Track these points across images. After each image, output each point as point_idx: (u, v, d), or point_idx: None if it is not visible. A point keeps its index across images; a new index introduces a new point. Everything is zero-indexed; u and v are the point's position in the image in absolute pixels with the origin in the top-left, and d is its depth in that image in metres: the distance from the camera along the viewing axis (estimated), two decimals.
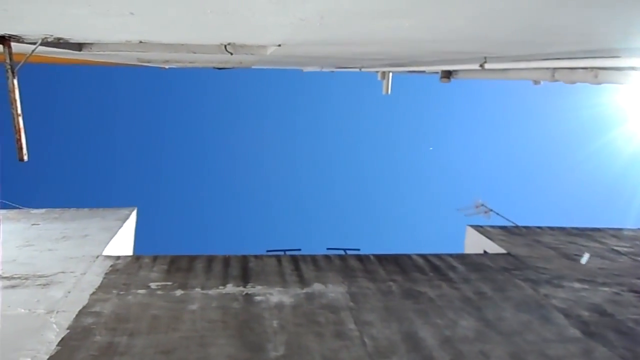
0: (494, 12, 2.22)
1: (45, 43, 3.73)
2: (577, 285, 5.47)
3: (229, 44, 4.01)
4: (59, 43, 3.91)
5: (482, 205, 9.10)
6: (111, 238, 6.38)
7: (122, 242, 6.91)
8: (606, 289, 5.41)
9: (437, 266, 5.79)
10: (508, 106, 40.33)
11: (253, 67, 11.06)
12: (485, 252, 6.90)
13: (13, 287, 4.80)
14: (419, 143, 40.77)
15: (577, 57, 4.46)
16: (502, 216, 8.86)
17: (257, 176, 39.71)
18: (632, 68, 4.29)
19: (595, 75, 4.85)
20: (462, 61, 5.78)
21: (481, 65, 5.19)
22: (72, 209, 7.70)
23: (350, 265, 5.69)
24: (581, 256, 6.45)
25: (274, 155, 40.74)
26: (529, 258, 6.29)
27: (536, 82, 6.94)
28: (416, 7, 2.23)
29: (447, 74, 7.55)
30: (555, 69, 5.03)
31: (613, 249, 6.88)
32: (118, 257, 5.70)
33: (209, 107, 39.53)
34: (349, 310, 4.54)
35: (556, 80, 5.39)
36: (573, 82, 5.27)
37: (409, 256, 6.07)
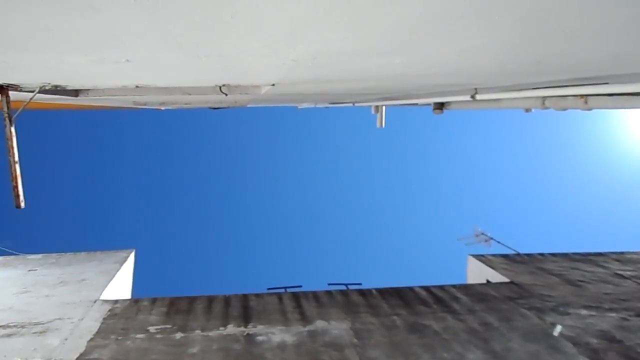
0: (481, 46, 2.28)
1: (42, 91, 3.78)
2: (583, 312, 5.39)
3: (223, 85, 4.08)
4: (56, 90, 3.97)
5: (482, 233, 9.06)
6: (109, 282, 6.29)
7: (121, 285, 6.81)
8: (613, 314, 5.33)
9: (440, 298, 5.71)
10: (501, 134, 40.82)
11: (248, 105, 11.21)
12: (488, 281, 6.82)
13: (9, 335, 4.69)
14: (416, 174, 40.93)
15: (566, 85, 4.54)
16: (503, 244, 8.81)
17: (255, 213, 39.57)
18: (621, 94, 4.37)
19: (586, 101, 4.93)
20: (454, 93, 5.88)
21: (472, 97, 5.28)
22: (69, 253, 7.62)
23: (352, 300, 5.61)
24: (585, 281, 6.38)
25: (271, 191, 40.82)
26: (533, 286, 6.22)
27: (527, 110, 7.04)
28: (405, 44, 2.28)
29: (440, 106, 7.67)
30: (545, 97, 5.12)
31: (617, 273, 6.82)
32: (116, 301, 5.60)
33: (205, 146, 39.86)
34: (354, 347, 4.45)
35: (547, 108, 5.48)
36: (564, 109, 5.36)
37: (411, 289, 5.99)
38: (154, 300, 5.56)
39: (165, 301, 5.54)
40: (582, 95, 4.77)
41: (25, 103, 3.78)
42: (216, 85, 4.13)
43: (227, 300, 5.59)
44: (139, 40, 2.03)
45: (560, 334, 4.78)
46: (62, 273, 6.69)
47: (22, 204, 3.77)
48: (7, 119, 3.81)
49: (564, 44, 2.20)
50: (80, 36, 1.94)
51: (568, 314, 5.31)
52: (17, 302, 5.61)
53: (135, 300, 5.64)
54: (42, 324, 4.97)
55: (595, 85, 4.25)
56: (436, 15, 1.71)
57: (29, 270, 6.83)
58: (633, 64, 3.09)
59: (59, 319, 5.10)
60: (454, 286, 6.15)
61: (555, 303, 5.62)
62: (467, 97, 5.41)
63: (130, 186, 38.45)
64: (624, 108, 4.92)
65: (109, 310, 5.29)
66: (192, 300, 5.56)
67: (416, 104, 8.81)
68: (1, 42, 2.02)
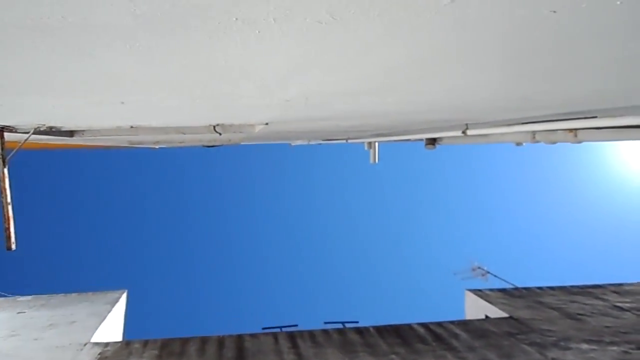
0: (469, 84, 2.34)
1: (37, 132, 3.81)
2: (584, 346, 5.30)
3: (217, 124, 4.13)
4: (51, 131, 4.00)
5: (479, 267, 9.00)
6: (100, 323, 6.14)
7: (112, 326, 6.65)
8: (614, 347, 5.24)
9: (439, 335, 5.61)
10: (493, 168, 41.22)
11: (242, 143, 11.31)
12: (486, 316, 6.72)
13: None
14: (409, 209, 40.93)
15: (555, 119, 4.64)
16: (500, 278, 8.75)
17: (248, 252, 39.16)
18: (610, 127, 4.45)
19: (575, 134, 5.02)
20: (446, 129, 5.97)
21: (463, 132, 5.36)
22: (59, 294, 7.46)
23: (349, 339, 5.49)
24: (585, 315, 6.30)
25: (265, 229, 40.56)
26: (532, 321, 6.13)
27: (518, 144, 7.15)
28: (396, 85, 2.34)
29: (432, 141, 7.77)
30: (535, 131, 5.20)
31: (616, 306, 6.75)
32: (107, 344, 5.45)
33: (198, 185, 39.84)
34: None
35: (537, 142, 5.56)
36: (554, 142, 5.45)
37: (409, 326, 5.88)
38: (145, 343, 5.42)
39: (157, 343, 5.40)
40: (571, 129, 4.86)
41: (20, 145, 3.79)
42: (210, 125, 4.18)
43: (221, 341, 5.46)
44: (134, 83, 2.07)
45: None
46: (52, 315, 6.53)
47: (13, 246, 3.73)
48: (0, 160, 3.82)
49: (549, 81, 2.26)
50: (76, 81, 1.98)
51: (569, 348, 5.22)
52: (5, 345, 5.44)
53: (126, 343, 5.49)
54: None
55: (584, 120, 4.34)
56: (425, 56, 1.76)
57: (18, 313, 6.67)
58: (618, 99, 3.17)
59: None
60: (452, 322, 6.04)
61: (555, 338, 5.53)
62: (459, 133, 5.50)
63: (122, 226, 38.07)
64: (614, 140, 5.02)
65: (99, 354, 5.14)
66: (184, 342, 5.42)
67: (409, 140, 8.92)
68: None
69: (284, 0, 1.16)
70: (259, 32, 1.39)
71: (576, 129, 4.81)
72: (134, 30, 1.33)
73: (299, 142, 13.89)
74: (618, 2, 1.20)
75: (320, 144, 13.41)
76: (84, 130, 4.43)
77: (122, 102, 2.55)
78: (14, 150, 3.84)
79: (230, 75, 1.95)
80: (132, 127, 4.04)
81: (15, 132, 3.81)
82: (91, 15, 1.20)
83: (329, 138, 10.70)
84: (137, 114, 3.26)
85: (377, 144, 10.81)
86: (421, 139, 8.07)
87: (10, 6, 1.11)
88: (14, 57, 1.56)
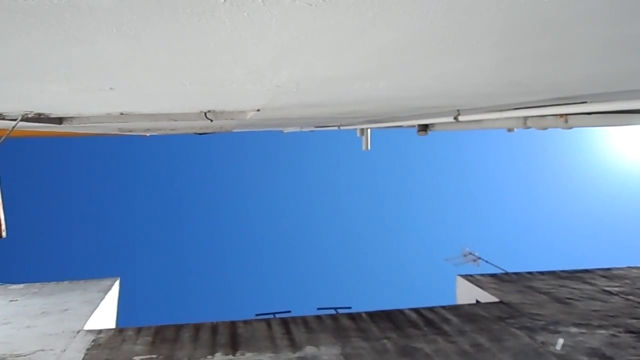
0: (460, 69, 2.33)
1: (25, 119, 3.76)
2: (573, 329, 5.39)
3: (209, 111, 4.09)
4: (39, 118, 3.95)
5: (470, 253, 9.08)
6: (93, 311, 6.14)
7: (105, 314, 6.65)
8: (603, 331, 5.34)
9: (430, 320, 5.67)
10: (485, 153, 41.38)
11: (234, 130, 11.25)
12: (477, 301, 6.81)
13: None
14: (402, 196, 41.06)
15: (546, 105, 4.65)
16: (491, 263, 8.84)
17: (241, 238, 39.21)
18: (600, 112, 4.48)
19: (566, 120, 5.04)
20: (437, 115, 5.98)
21: (455, 118, 5.37)
22: (52, 282, 7.44)
23: (342, 324, 5.54)
24: (574, 299, 6.40)
25: (258, 216, 40.57)
26: (522, 305, 6.22)
27: (510, 130, 7.17)
28: (387, 69, 2.33)
29: (424, 127, 7.77)
30: (526, 117, 5.22)
31: (604, 290, 6.86)
32: (100, 331, 5.46)
33: (190, 172, 39.60)
34: None
35: (528, 127, 5.59)
36: (545, 128, 5.47)
37: (401, 311, 5.94)
38: (139, 330, 5.43)
39: (150, 330, 5.41)
40: (562, 115, 4.88)
41: (8, 132, 3.74)
42: (201, 112, 4.14)
43: (214, 327, 5.48)
44: (123, 68, 2.04)
45: (552, 352, 4.76)
46: (45, 303, 6.52)
47: (4, 234, 3.70)
48: None
49: (539, 65, 2.27)
50: (63, 66, 1.95)
51: (558, 332, 5.31)
52: None
53: (119, 330, 5.50)
54: (24, 355, 4.81)
55: (574, 105, 4.36)
56: (416, 40, 1.75)
57: (10, 301, 6.64)
58: (608, 84, 3.19)
59: (41, 350, 4.94)
60: (443, 307, 6.12)
61: (545, 322, 5.62)
62: (451, 119, 5.50)
63: (114, 213, 37.90)
64: (604, 126, 5.05)
65: (93, 341, 5.15)
66: (178, 328, 5.44)
67: (401, 126, 8.92)
68: None
69: None
70: (247, 14, 1.37)
71: (567, 115, 4.83)
72: (121, 13, 1.31)
73: (291, 130, 13.84)
74: None
75: (312, 131, 13.38)
76: (72, 118, 4.38)
77: (111, 88, 2.52)
78: (2, 138, 3.79)
79: (220, 60, 1.93)
80: (122, 114, 4.00)
81: (3, 119, 3.76)
82: None
83: (322, 125, 10.67)
84: (127, 100, 3.22)
85: (369, 130, 10.80)
86: (413, 126, 8.07)
87: None
88: None
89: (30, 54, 1.74)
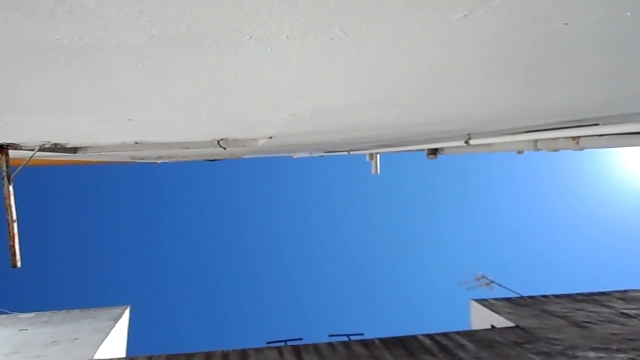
0: (476, 96, 2.35)
1: (42, 149, 3.81)
2: (592, 354, 5.26)
3: (221, 139, 4.14)
4: (55, 148, 4.01)
5: (483, 277, 8.95)
6: (103, 340, 6.09)
7: (115, 342, 6.59)
8: (622, 355, 5.20)
9: (445, 346, 5.56)
10: (495, 176, 41.20)
11: (244, 157, 11.33)
12: (492, 326, 6.68)
13: None
14: (412, 220, 40.75)
15: (558, 127, 4.65)
16: (505, 287, 8.70)
17: (252, 266, 38.91)
18: (612, 134, 4.47)
19: (577, 142, 5.03)
20: (448, 139, 5.99)
21: (466, 142, 5.37)
22: (62, 311, 7.42)
23: (355, 352, 5.45)
24: (591, 322, 6.27)
25: (268, 242, 40.38)
26: (538, 329, 6.09)
27: (520, 152, 7.16)
28: (401, 97, 2.35)
29: (434, 151, 7.78)
30: (537, 139, 5.22)
31: (622, 312, 6.71)
32: None
33: (201, 198, 39.64)
34: None
35: (539, 150, 5.58)
36: (556, 150, 5.46)
37: (415, 337, 5.84)
38: (149, 358, 5.37)
39: (161, 358, 5.35)
40: (573, 137, 4.87)
41: (25, 162, 3.79)
42: (214, 140, 4.19)
43: (225, 356, 5.41)
44: (143, 101, 2.08)
45: None
46: (55, 332, 6.48)
47: (19, 263, 3.71)
48: (5, 178, 3.82)
49: (555, 91, 2.28)
50: (85, 99, 1.99)
51: (576, 357, 5.18)
52: None
53: (130, 359, 5.44)
54: None
55: (586, 127, 4.36)
56: (434, 71, 1.78)
57: (21, 330, 6.62)
58: (620, 107, 3.19)
59: None
60: (458, 333, 6.00)
61: (562, 346, 5.49)
62: (461, 143, 5.51)
63: (125, 241, 37.87)
64: (615, 147, 5.03)
65: None
66: (188, 357, 5.38)
67: (410, 150, 8.94)
68: (6, 106, 2.06)
69: (298, 18, 1.17)
70: (270, 49, 1.40)
71: (578, 137, 4.83)
72: (148, 50, 1.34)
73: (300, 155, 13.91)
74: (628, 14, 1.22)
75: (322, 156, 13.43)
76: (87, 147, 4.43)
77: (130, 119, 2.56)
78: (19, 168, 3.84)
79: (239, 91, 1.96)
80: (136, 142, 4.05)
81: (20, 149, 3.82)
82: (106, 36, 1.21)
83: (331, 150, 10.72)
84: (143, 130, 3.26)
85: (378, 155, 10.82)
86: (423, 149, 8.08)
87: (29, 29, 1.12)
88: (26, 77, 1.57)
89: (53, 89, 1.78)
